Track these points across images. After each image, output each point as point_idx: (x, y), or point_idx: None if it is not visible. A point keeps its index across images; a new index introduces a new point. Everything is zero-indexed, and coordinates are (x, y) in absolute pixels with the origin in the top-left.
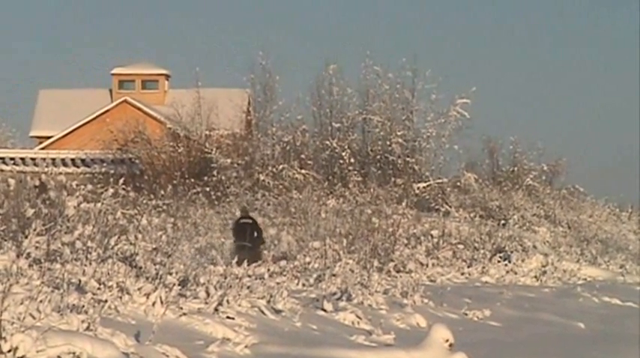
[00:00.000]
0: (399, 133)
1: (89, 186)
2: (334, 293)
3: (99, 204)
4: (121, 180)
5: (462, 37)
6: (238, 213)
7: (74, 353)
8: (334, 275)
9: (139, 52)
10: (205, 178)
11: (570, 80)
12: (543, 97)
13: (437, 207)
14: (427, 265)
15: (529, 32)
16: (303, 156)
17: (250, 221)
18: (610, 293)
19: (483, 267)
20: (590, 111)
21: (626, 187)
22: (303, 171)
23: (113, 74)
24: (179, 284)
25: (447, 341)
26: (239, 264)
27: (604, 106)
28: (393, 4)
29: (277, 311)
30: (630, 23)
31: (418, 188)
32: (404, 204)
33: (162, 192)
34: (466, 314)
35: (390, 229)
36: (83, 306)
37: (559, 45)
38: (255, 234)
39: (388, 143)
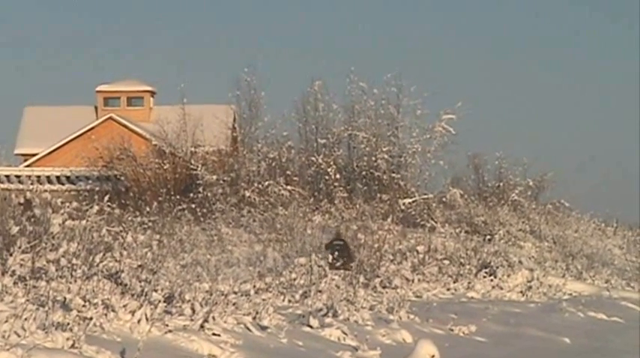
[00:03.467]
0: (384, 149)
1: (74, 204)
2: (320, 310)
3: (84, 222)
4: (107, 197)
5: (448, 52)
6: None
7: None
8: (320, 291)
9: (124, 68)
10: (191, 195)
11: (556, 96)
12: (529, 113)
13: (422, 222)
14: (413, 281)
15: (514, 48)
16: (288, 172)
17: (342, 242)
18: (595, 308)
19: (469, 283)
20: (576, 126)
21: (612, 202)
22: (288, 187)
23: (98, 91)
24: (164, 301)
25: (433, 356)
26: None
27: (590, 122)
28: (378, 20)
29: (263, 328)
30: (615, 39)
31: (404, 204)
32: (389, 219)
33: (148, 209)
34: (452, 330)
35: (376, 245)
36: (68, 324)
37: (544, 61)
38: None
39: (374, 159)
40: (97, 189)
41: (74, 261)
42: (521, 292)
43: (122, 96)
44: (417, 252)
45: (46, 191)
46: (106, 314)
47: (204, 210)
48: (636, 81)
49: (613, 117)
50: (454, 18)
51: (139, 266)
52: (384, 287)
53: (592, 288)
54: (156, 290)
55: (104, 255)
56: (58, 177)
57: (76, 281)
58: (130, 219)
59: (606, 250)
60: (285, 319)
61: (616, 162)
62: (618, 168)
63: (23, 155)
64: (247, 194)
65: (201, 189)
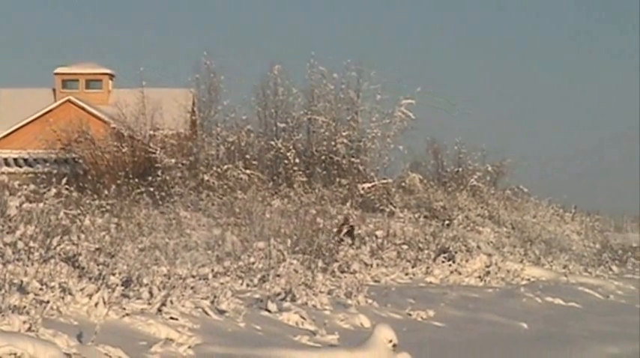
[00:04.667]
0: (344, 134)
1: (32, 186)
2: (278, 294)
3: (41, 204)
4: (64, 180)
5: (407, 37)
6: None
7: (15, 353)
8: (278, 275)
9: (83, 51)
10: (149, 178)
11: (514, 81)
12: (487, 98)
13: (381, 207)
14: (371, 265)
15: (472, 33)
16: (247, 156)
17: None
18: (553, 294)
19: (427, 268)
20: (535, 112)
21: (570, 188)
22: (247, 171)
23: (56, 74)
24: (122, 285)
25: (391, 341)
26: None
27: (549, 107)
28: (339, 5)
29: (221, 312)
30: (573, 26)
31: (363, 188)
32: (349, 204)
33: (106, 192)
34: (410, 315)
35: (335, 229)
36: (25, 307)
37: (502, 45)
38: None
39: (333, 143)
40: (55, 171)
41: (31, 243)
42: (479, 277)
43: (81, 78)
44: (376, 236)
45: (3, 173)
46: (63, 298)
47: (163, 194)
48: (594, 67)
49: (571, 104)
50: (413, 2)
51: (97, 249)
52: (342, 272)
53: (550, 274)
54: (113, 274)
55: (62, 238)
56: (15, 160)
57: (33, 264)
58: (88, 202)
59: (564, 236)
60: (244, 303)
61: (574, 148)
62: (577, 155)
63: None
64: (206, 178)
65: (159, 173)
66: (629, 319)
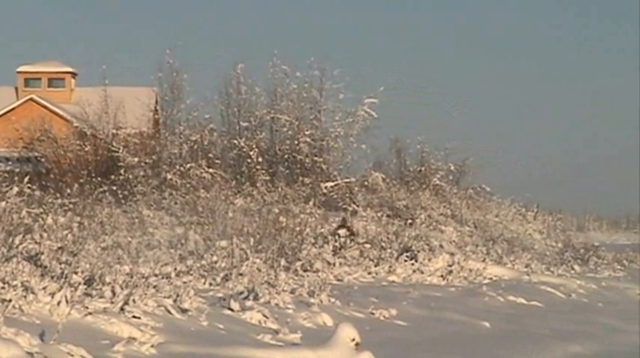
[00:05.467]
0: (306, 132)
1: None
2: (241, 293)
3: (3, 203)
4: (27, 179)
5: (370, 36)
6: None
7: None
8: (241, 274)
9: (45, 49)
10: (112, 177)
11: (477, 80)
12: (450, 97)
13: (344, 206)
14: (334, 264)
15: (434, 33)
16: (210, 155)
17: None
18: (515, 293)
19: (390, 266)
20: (497, 111)
21: (532, 187)
22: (210, 170)
23: (19, 72)
24: (85, 284)
25: (354, 340)
26: None
27: (512, 107)
28: (302, 4)
29: (184, 311)
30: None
31: (326, 187)
32: (311, 203)
33: (69, 191)
34: (373, 314)
35: (298, 228)
36: None
37: (464, 45)
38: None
39: (296, 142)
40: (17, 170)
41: None
42: (441, 276)
43: (43, 77)
44: (339, 235)
45: None
46: (25, 296)
47: (126, 193)
48: (556, 68)
49: (532, 103)
50: (377, 2)
51: (59, 248)
52: (305, 271)
53: (512, 273)
54: (76, 273)
55: (24, 236)
56: None
57: None
58: (50, 200)
59: (526, 235)
60: (206, 302)
61: (536, 147)
62: (539, 154)
63: None
64: (169, 176)
65: (122, 171)
66: (590, 318)
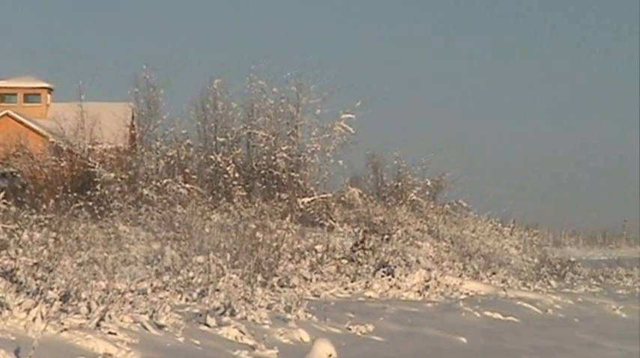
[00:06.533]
0: (283, 148)
1: None
2: (217, 308)
3: None
4: (2, 194)
5: (347, 52)
6: None
7: None
8: (218, 290)
9: (21, 65)
10: (88, 192)
11: (453, 95)
12: (427, 112)
13: (321, 221)
14: (311, 280)
15: (411, 48)
16: (187, 170)
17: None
18: (492, 308)
19: (367, 282)
20: (474, 126)
21: (509, 202)
22: (187, 185)
23: None
24: (60, 300)
25: (330, 355)
26: None
27: (488, 121)
28: (278, 19)
29: (160, 327)
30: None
31: (302, 203)
32: (288, 218)
33: (44, 207)
34: (349, 329)
35: (274, 244)
36: None
37: (440, 60)
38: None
39: (273, 158)
40: None
41: None
42: (418, 291)
43: (19, 92)
44: (316, 251)
45: None
46: (0, 313)
47: (102, 208)
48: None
49: (510, 118)
50: (352, 18)
51: (35, 264)
52: (282, 286)
53: (489, 288)
54: (52, 289)
55: None
56: None
57: None
58: (26, 216)
59: (503, 250)
60: (183, 318)
61: (513, 162)
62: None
63: None
64: (145, 192)
65: (98, 187)
66: (567, 333)
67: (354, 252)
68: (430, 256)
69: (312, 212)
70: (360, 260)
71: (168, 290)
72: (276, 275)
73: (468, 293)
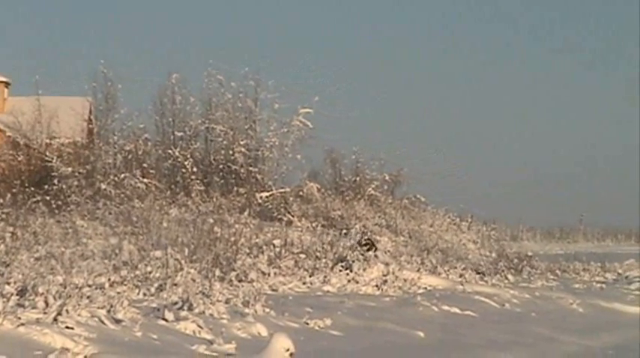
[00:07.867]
0: (241, 142)
1: None
2: (175, 303)
3: None
4: None
5: (305, 46)
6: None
7: None
8: (176, 284)
9: None
10: (46, 187)
11: (411, 90)
12: (385, 108)
13: (279, 216)
14: (269, 274)
15: (368, 44)
16: (145, 165)
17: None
18: (449, 302)
19: (325, 277)
20: (432, 121)
21: (466, 197)
22: (145, 180)
23: None
24: (17, 294)
25: (288, 350)
26: None
27: (446, 116)
28: (236, 14)
29: (117, 321)
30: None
31: (261, 197)
32: (246, 213)
33: (1, 201)
34: (307, 324)
35: (232, 238)
36: None
37: (398, 55)
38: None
39: (231, 152)
40: None
41: None
42: (376, 286)
43: None
44: (274, 245)
45: None
46: None
47: (59, 203)
48: (493, 78)
49: (467, 112)
50: (309, 12)
51: None
52: (240, 281)
53: (446, 282)
54: (8, 283)
55: None
56: None
57: None
58: None
59: (461, 245)
60: (140, 312)
61: (471, 157)
62: (474, 164)
63: None
64: (103, 186)
65: (56, 181)
66: (524, 327)
67: (355, 250)
68: (388, 251)
69: (270, 206)
70: (317, 254)
71: (126, 285)
72: (234, 270)
73: (425, 288)
